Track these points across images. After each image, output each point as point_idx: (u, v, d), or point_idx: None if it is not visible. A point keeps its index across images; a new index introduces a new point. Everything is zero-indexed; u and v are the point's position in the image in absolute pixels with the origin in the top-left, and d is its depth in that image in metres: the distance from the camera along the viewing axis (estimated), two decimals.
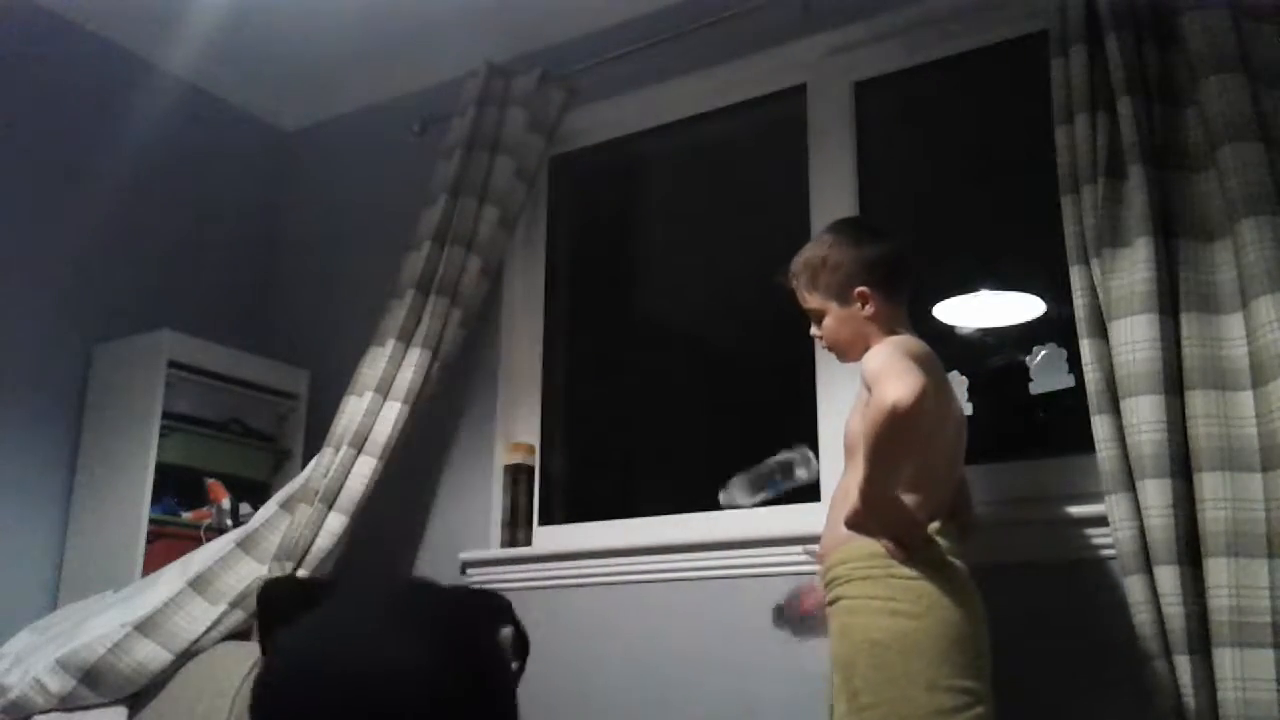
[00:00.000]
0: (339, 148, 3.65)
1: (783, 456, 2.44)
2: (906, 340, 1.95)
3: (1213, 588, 1.82)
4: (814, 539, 2.04)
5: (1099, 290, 2.04)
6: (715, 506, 2.54)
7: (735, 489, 2.49)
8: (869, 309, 2.01)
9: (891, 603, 1.79)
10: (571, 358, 3.19)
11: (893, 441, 1.74)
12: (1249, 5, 2.00)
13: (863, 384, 1.90)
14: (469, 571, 2.92)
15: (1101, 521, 2.01)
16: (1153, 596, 1.87)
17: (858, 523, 1.82)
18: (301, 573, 2.71)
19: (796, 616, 2.34)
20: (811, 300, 2.07)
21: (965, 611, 1.80)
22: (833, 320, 2.05)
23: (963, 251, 2.66)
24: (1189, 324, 1.95)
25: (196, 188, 3.47)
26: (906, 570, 1.80)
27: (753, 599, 2.42)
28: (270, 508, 2.85)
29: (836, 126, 2.73)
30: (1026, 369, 2.38)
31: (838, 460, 2.11)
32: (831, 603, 1.88)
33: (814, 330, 2.10)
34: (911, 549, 1.82)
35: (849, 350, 2.05)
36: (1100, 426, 1.99)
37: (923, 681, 1.74)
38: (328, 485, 2.77)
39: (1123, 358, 1.97)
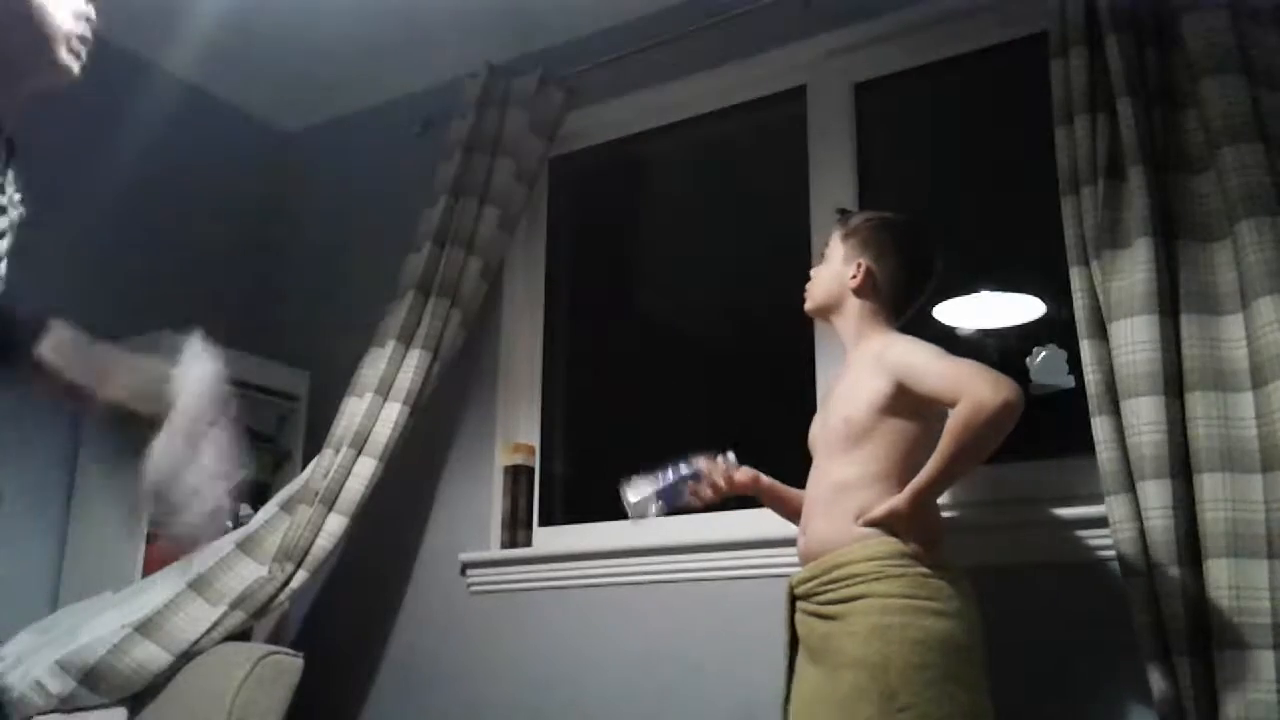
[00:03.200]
0: (340, 149, 3.65)
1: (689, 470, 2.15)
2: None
3: (1213, 589, 1.82)
4: None
5: (1099, 291, 2.05)
6: (717, 507, 2.53)
7: (640, 495, 2.14)
8: (855, 281, 2.07)
9: (929, 602, 1.80)
10: (571, 358, 3.19)
11: (992, 441, 1.79)
12: (1249, 6, 2.00)
13: (878, 374, 1.94)
14: (469, 573, 2.92)
15: (1102, 523, 2.01)
16: (1153, 598, 1.87)
17: (896, 521, 1.84)
18: (301, 574, 2.72)
19: (674, 500, 2.11)
20: (832, 242, 2.16)
21: (978, 609, 1.86)
22: (826, 270, 2.15)
23: (963, 252, 2.66)
24: (1189, 325, 1.95)
25: (197, 189, 3.47)
26: (927, 569, 1.83)
27: (752, 600, 2.42)
28: (270, 509, 2.85)
29: (836, 128, 2.73)
30: (1026, 370, 2.38)
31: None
32: (844, 600, 1.86)
33: (813, 272, 2.19)
34: (933, 549, 1.85)
35: (820, 305, 2.15)
36: (1100, 427, 1.99)
37: (965, 680, 1.77)
38: (328, 486, 2.77)
39: (1123, 359, 1.97)
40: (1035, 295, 2.50)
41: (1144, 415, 1.92)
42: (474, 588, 2.91)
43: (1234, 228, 1.91)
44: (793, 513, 2.14)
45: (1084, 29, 2.15)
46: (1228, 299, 1.95)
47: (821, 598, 1.89)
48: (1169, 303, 1.96)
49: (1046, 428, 2.39)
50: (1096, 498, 2.01)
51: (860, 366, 2.01)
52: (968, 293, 2.58)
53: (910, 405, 1.91)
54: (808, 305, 2.18)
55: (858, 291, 2.08)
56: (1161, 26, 2.10)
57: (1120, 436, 1.96)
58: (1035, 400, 2.35)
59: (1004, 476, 2.29)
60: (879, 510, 1.85)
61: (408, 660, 2.96)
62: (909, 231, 2.14)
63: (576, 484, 3.11)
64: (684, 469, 2.14)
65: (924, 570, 1.82)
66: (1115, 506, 1.94)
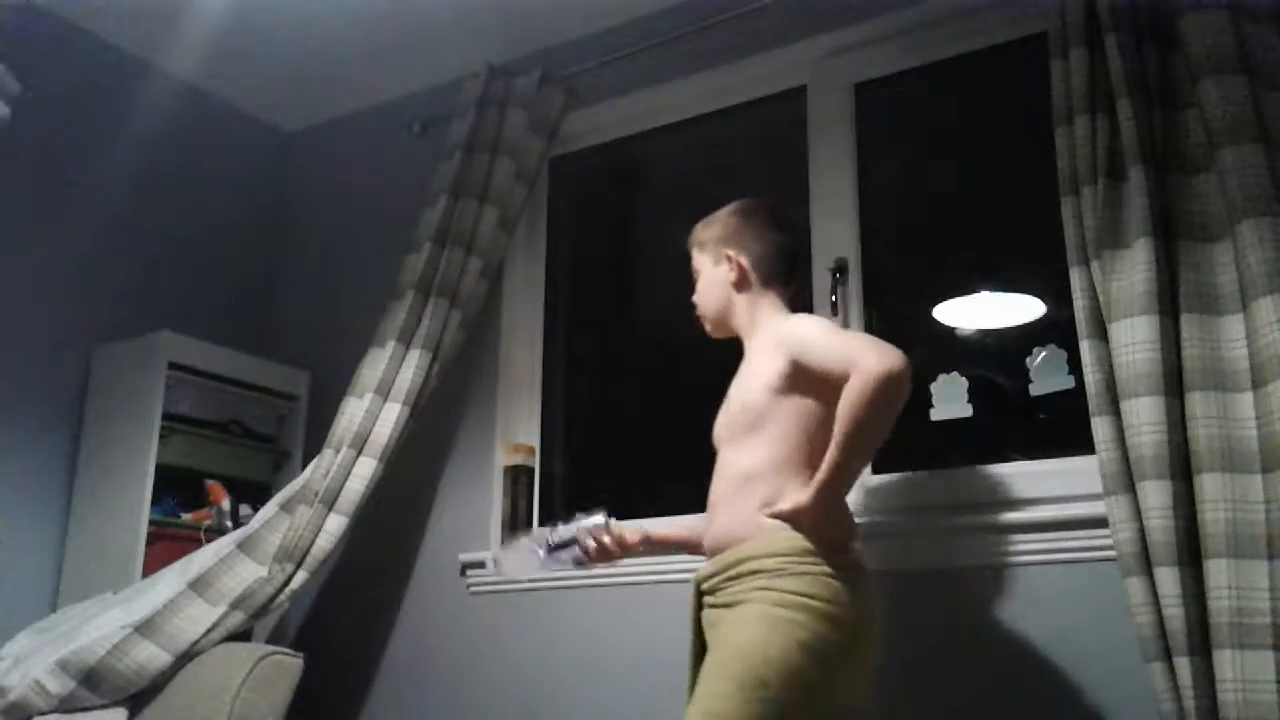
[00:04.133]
0: (339, 149, 3.66)
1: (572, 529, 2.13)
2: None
3: (1213, 589, 1.81)
4: None
5: (1099, 292, 2.04)
6: None
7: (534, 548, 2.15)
8: (733, 275, 2.06)
9: (826, 605, 1.74)
10: (571, 358, 3.19)
11: (883, 414, 1.72)
12: (1249, 6, 2.00)
13: (774, 353, 1.90)
14: (469, 573, 2.92)
15: (1101, 523, 2.00)
16: (1153, 598, 1.87)
17: (803, 517, 1.77)
18: (301, 574, 2.72)
19: (574, 552, 2.11)
20: (695, 261, 2.14)
21: (878, 614, 1.83)
22: (704, 281, 2.12)
23: (963, 252, 2.66)
24: (1189, 325, 1.95)
25: (197, 189, 3.47)
26: (831, 570, 1.77)
27: None
28: (270, 509, 2.85)
29: (836, 128, 2.73)
30: (1026, 370, 2.38)
31: None
32: (746, 600, 1.79)
33: (695, 297, 2.15)
34: (842, 549, 1.81)
35: (716, 318, 2.11)
36: (1100, 428, 1.99)
37: (832, 689, 1.74)
38: (328, 486, 2.77)
39: (1123, 359, 1.97)
40: (1035, 295, 2.50)
41: (1144, 415, 1.91)
42: (474, 588, 2.91)
43: (1234, 228, 1.91)
44: (696, 545, 2.08)
45: (1084, 29, 2.14)
46: (1228, 299, 1.95)
47: (726, 592, 1.83)
48: (1169, 303, 1.96)
49: (1047, 428, 2.39)
50: (1096, 498, 2.01)
51: (757, 351, 1.98)
52: (968, 293, 2.58)
53: (808, 383, 1.85)
54: (708, 327, 2.13)
55: (738, 285, 2.06)
56: (1161, 26, 2.10)
57: (1120, 436, 1.96)
58: (1035, 400, 2.36)
59: (1004, 476, 2.29)
60: (784, 507, 1.79)
61: (408, 660, 2.96)
62: (748, 208, 2.13)
63: (576, 484, 3.11)
64: (565, 532, 2.12)
65: (828, 570, 1.76)
66: (1115, 506, 1.94)
